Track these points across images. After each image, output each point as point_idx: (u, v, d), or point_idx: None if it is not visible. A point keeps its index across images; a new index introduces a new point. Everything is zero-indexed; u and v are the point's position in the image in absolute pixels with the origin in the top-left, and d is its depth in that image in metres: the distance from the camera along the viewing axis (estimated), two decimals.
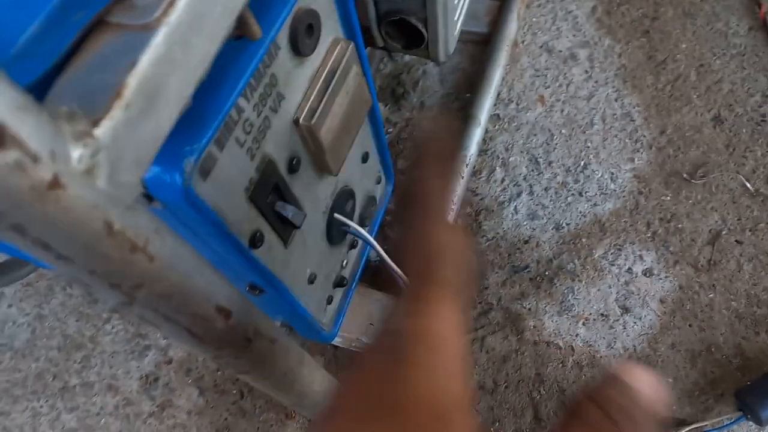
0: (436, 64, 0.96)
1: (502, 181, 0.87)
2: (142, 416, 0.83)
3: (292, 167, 0.40)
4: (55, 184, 0.17)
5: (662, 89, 0.89)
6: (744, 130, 0.84)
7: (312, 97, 0.39)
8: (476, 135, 0.86)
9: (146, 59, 0.20)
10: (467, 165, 0.84)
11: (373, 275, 0.85)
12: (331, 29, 0.40)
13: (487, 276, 0.77)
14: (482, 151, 0.89)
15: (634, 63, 0.92)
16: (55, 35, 0.20)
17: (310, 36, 0.36)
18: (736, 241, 0.79)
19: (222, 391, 0.82)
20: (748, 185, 0.81)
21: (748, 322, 0.75)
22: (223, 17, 0.23)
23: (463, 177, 0.84)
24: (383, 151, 0.57)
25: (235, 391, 0.82)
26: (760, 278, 0.76)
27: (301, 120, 0.38)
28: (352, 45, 0.40)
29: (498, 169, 0.88)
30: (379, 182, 0.60)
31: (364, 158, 0.53)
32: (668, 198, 0.82)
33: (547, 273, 0.81)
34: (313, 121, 0.38)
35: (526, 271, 0.81)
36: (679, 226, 0.81)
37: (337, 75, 0.40)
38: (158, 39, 0.20)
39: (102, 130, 0.19)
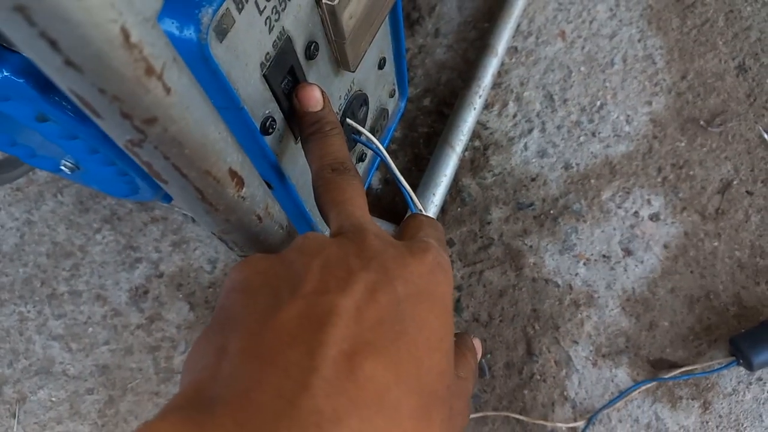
0: None
1: (515, 116, 0.84)
2: (130, 327, 0.82)
3: (310, 53, 0.37)
4: None
5: (687, 33, 0.86)
6: (767, 81, 0.82)
7: None
8: (492, 66, 0.83)
9: None
10: (480, 96, 0.81)
11: (375, 203, 0.84)
12: None
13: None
14: (496, 84, 0.86)
15: (662, 4, 0.88)
16: None
17: None
18: (746, 191, 0.77)
19: (213, 307, 0.81)
20: (766, 136, 0.79)
21: (749, 272, 0.74)
22: None
23: (475, 109, 0.81)
24: (400, 60, 0.54)
25: None
26: (767, 230, 0.75)
27: None
28: None
29: (511, 104, 0.85)
30: (392, 96, 0.57)
31: (381, 64, 0.50)
32: (682, 144, 0.80)
33: (551, 212, 0.79)
34: (337, 2, 0.35)
35: (530, 208, 0.80)
36: (691, 173, 0.79)
37: None
38: None
39: None
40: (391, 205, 0.81)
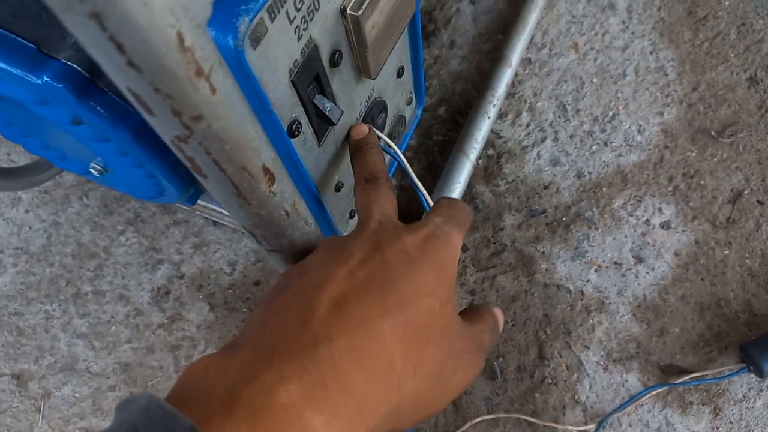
0: (471, 2, 0.95)
1: (528, 125, 0.86)
2: (152, 327, 0.84)
3: (334, 60, 0.39)
4: None
5: (699, 46, 0.88)
6: None
7: None
8: (506, 76, 0.85)
9: None
10: (494, 106, 0.83)
11: None
12: None
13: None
14: (510, 94, 0.88)
15: (674, 17, 0.90)
16: None
17: None
18: (757, 201, 0.78)
19: (232, 308, 0.83)
20: None
21: (760, 281, 0.75)
22: None
23: (489, 118, 0.83)
24: (418, 69, 0.56)
25: (245, 309, 0.83)
26: None
27: (348, 9, 0.37)
28: None
29: (524, 113, 0.87)
30: (409, 103, 0.59)
31: (400, 73, 0.53)
32: (693, 154, 0.82)
33: (564, 219, 0.81)
34: (360, 12, 0.38)
35: (543, 215, 0.81)
36: (702, 182, 0.80)
37: None
38: None
39: None
40: (406, 210, 0.83)
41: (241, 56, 0.29)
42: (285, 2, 0.32)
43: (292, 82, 0.36)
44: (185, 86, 0.20)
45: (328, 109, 0.40)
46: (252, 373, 0.24)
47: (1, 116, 0.61)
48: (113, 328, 0.85)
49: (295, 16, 0.33)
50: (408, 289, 0.29)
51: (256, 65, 0.31)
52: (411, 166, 0.87)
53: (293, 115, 0.38)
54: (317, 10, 0.35)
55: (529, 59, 0.90)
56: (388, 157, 0.56)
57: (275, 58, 0.33)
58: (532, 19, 0.88)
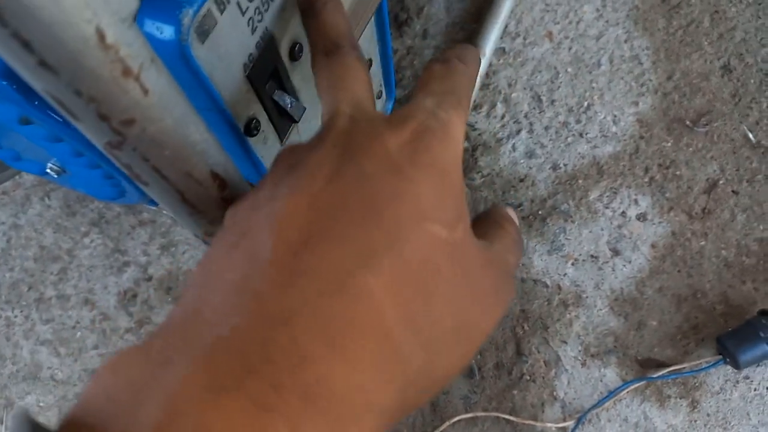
0: None
1: (503, 117, 0.85)
2: (119, 331, 0.81)
3: (294, 54, 0.37)
4: None
5: (673, 34, 0.87)
6: (752, 81, 0.83)
7: None
8: (480, 67, 0.83)
9: None
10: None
11: None
12: None
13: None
14: (484, 85, 0.86)
15: (648, 5, 0.89)
16: None
17: None
18: (732, 191, 0.78)
19: None
20: (750, 136, 0.80)
21: (735, 271, 0.75)
22: None
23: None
24: (387, 61, 0.54)
25: None
26: (752, 229, 0.76)
27: None
28: None
29: (499, 105, 0.85)
30: (379, 97, 0.57)
31: (365, 64, 0.51)
32: (669, 144, 0.81)
33: (540, 212, 0.80)
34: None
35: (519, 209, 0.80)
36: (677, 173, 0.79)
37: None
38: None
39: None
40: None
41: (187, 51, 0.27)
42: None
43: (248, 77, 0.33)
44: (111, 88, 0.18)
45: (288, 105, 0.37)
46: (164, 382, 0.16)
47: None
48: (79, 333, 0.82)
49: (248, 7, 0.31)
50: (400, 214, 0.20)
51: (205, 60, 0.29)
52: None
53: (251, 113, 0.35)
54: (273, 0, 0.33)
55: (503, 49, 0.88)
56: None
57: (227, 52, 0.31)
58: (505, 7, 0.86)
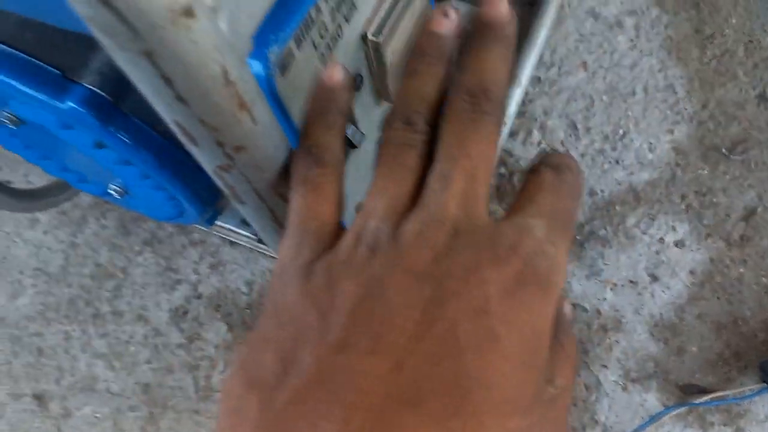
0: None
1: (539, 144, 0.87)
2: (171, 347, 0.85)
3: (356, 85, 0.40)
4: (188, 11, 0.17)
5: (707, 63, 0.88)
6: None
7: (381, 14, 0.39)
8: (516, 96, 0.86)
9: None
10: (505, 125, 0.84)
11: None
12: None
13: None
14: (521, 113, 0.89)
15: (681, 35, 0.91)
16: None
17: None
18: None
19: (250, 328, 0.84)
20: None
21: None
22: None
23: (500, 137, 0.84)
24: None
25: None
26: None
27: (369, 35, 0.39)
28: None
29: (535, 132, 0.88)
30: None
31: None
32: (705, 172, 0.82)
33: (578, 237, 0.81)
34: (381, 38, 0.39)
35: None
36: (714, 200, 0.80)
37: None
38: None
39: None
40: None
41: (272, 85, 0.30)
42: (311, 30, 0.33)
43: None
44: (229, 119, 0.21)
45: (350, 133, 0.41)
46: None
47: (22, 139, 0.62)
48: (132, 348, 0.86)
49: (319, 44, 0.34)
50: (482, 407, 0.17)
51: (284, 92, 0.32)
52: None
53: None
54: (340, 37, 0.36)
55: (539, 78, 0.91)
56: None
57: (302, 84, 0.34)
58: (540, 37, 0.89)
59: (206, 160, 0.23)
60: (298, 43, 0.32)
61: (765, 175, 0.81)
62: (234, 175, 0.24)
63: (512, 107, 0.85)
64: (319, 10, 0.33)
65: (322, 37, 0.34)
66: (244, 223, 0.83)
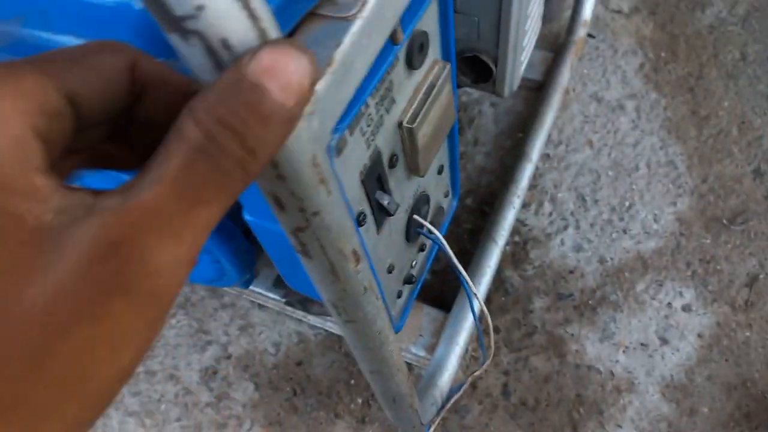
0: (491, 105, 1.05)
1: (550, 214, 0.93)
2: (200, 405, 0.89)
3: (392, 162, 0.47)
4: (293, 115, 0.24)
5: (705, 142, 0.96)
6: None
7: (414, 105, 0.46)
8: (527, 170, 0.93)
9: (347, 41, 0.28)
10: (518, 197, 0.91)
11: (424, 292, 0.92)
12: (433, 51, 0.48)
13: None
14: (532, 186, 0.96)
15: (679, 116, 0.99)
16: (283, 19, 0.27)
17: (420, 53, 0.44)
18: None
19: (276, 388, 0.88)
20: None
21: None
22: (391, 18, 0.31)
23: (514, 207, 0.90)
24: (455, 167, 0.64)
25: (288, 389, 0.88)
26: None
27: (405, 122, 0.46)
28: (448, 66, 0.48)
29: (546, 204, 0.94)
30: (447, 196, 0.67)
31: (440, 170, 0.61)
32: (708, 241, 0.87)
33: (590, 302, 0.86)
34: (414, 125, 0.46)
35: (570, 298, 0.87)
36: (718, 267, 0.85)
37: (435, 90, 0.47)
38: (354, 28, 0.28)
39: (319, 87, 0.26)
40: (438, 294, 0.89)
41: (332, 164, 0.37)
42: (361, 120, 0.40)
43: (362, 181, 0.43)
44: (311, 191, 0.28)
45: (386, 203, 0.47)
46: None
47: None
48: (163, 406, 0.90)
49: (366, 131, 0.41)
50: None
51: (339, 169, 0.39)
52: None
53: (361, 209, 0.45)
54: (382, 125, 0.43)
55: (548, 155, 0.98)
56: (428, 243, 0.62)
57: (351, 163, 0.41)
58: (548, 118, 0.97)
59: (289, 222, 0.29)
60: (351, 130, 0.39)
61: (765, 243, 0.86)
62: (308, 235, 0.30)
63: (524, 181, 0.92)
64: (367, 105, 0.40)
65: (368, 125, 0.41)
66: (275, 287, 0.89)
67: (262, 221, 0.52)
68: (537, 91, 1.03)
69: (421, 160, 0.49)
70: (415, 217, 0.57)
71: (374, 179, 0.45)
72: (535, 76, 1.04)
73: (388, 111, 0.44)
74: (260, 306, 0.95)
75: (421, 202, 0.57)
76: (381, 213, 0.48)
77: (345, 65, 0.28)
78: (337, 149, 0.38)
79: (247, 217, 0.53)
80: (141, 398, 0.91)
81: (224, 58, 0.19)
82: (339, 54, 0.28)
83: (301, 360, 0.90)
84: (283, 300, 0.87)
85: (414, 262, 0.64)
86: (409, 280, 0.63)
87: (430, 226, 0.58)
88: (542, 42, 1.02)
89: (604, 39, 1.09)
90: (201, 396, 0.89)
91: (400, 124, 0.46)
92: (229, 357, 0.92)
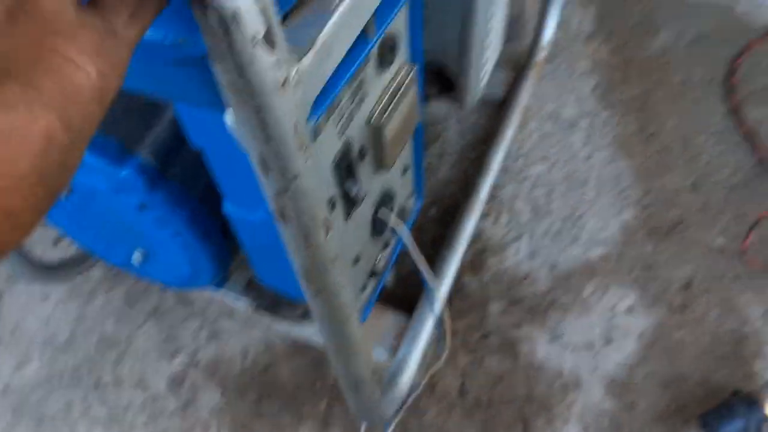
0: (458, 122, 1.11)
1: (508, 224, 1.00)
2: (167, 412, 0.90)
3: (362, 154, 0.52)
4: (285, 81, 0.29)
5: (650, 157, 1.04)
6: (717, 196, 0.98)
7: (383, 103, 0.52)
8: (487, 183, 0.99)
9: (327, 28, 0.33)
10: (478, 208, 0.97)
11: (390, 298, 0.96)
12: (402, 54, 0.53)
13: None
14: (492, 197, 1.02)
15: (628, 133, 1.07)
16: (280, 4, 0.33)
17: (390, 53, 0.50)
18: (705, 289, 0.91)
19: (243, 393, 0.90)
20: (718, 243, 0.94)
21: (712, 358, 0.85)
22: (365, 14, 0.37)
23: (474, 218, 0.96)
24: (419, 169, 0.69)
25: (254, 394, 0.90)
26: (724, 321, 0.88)
27: (373, 119, 0.51)
28: (415, 68, 0.54)
29: (504, 214, 1.01)
30: (410, 197, 0.72)
31: (404, 170, 0.66)
32: (649, 249, 0.95)
33: (541, 305, 0.92)
34: (381, 121, 0.51)
35: (523, 302, 0.92)
36: (658, 273, 0.92)
37: (401, 90, 0.53)
38: (334, 18, 0.34)
39: (304, 62, 0.31)
40: (403, 297, 0.93)
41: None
42: (335, 110, 0.45)
43: (334, 167, 0.48)
44: (293, 155, 0.32)
45: (354, 192, 0.52)
46: None
47: (64, 210, 0.72)
48: (130, 414, 0.91)
49: (339, 121, 0.46)
50: None
51: (315, 153, 0.44)
52: (407, 258, 0.99)
53: (331, 194, 0.50)
54: (352, 119, 0.49)
55: (507, 168, 1.05)
56: (392, 240, 0.67)
57: (325, 150, 0.46)
58: (508, 134, 1.04)
59: (271, 185, 0.34)
60: (326, 117, 0.44)
61: (699, 252, 0.94)
62: (287, 197, 0.34)
63: (484, 192, 0.98)
64: (342, 96, 0.45)
65: (341, 116, 0.47)
66: (245, 292, 0.92)
67: (242, 211, 0.56)
68: (499, 108, 1.10)
69: (388, 154, 0.55)
70: (383, 209, 0.62)
71: (344, 168, 0.50)
72: (497, 94, 1.12)
73: (359, 105, 0.49)
74: (229, 315, 0.97)
75: (386, 198, 0.62)
76: (349, 202, 0.53)
77: (325, 47, 0.33)
78: (314, 133, 0.43)
79: (228, 208, 0.57)
80: (108, 406, 0.92)
81: None
82: (321, 37, 0.33)
83: (267, 366, 0.93)
84: (253, 304, 0.90)
85: (378, 258, 0.68)
86: (373, 273, 0.68)
87: (394, 217, 0.63)
88: (505, 63, 1.10)
89: (563, 61, 1.18)
90: (168, 403, 0.91)
91: (369, 120, 0.52)
92: (197, 364, 0.94)
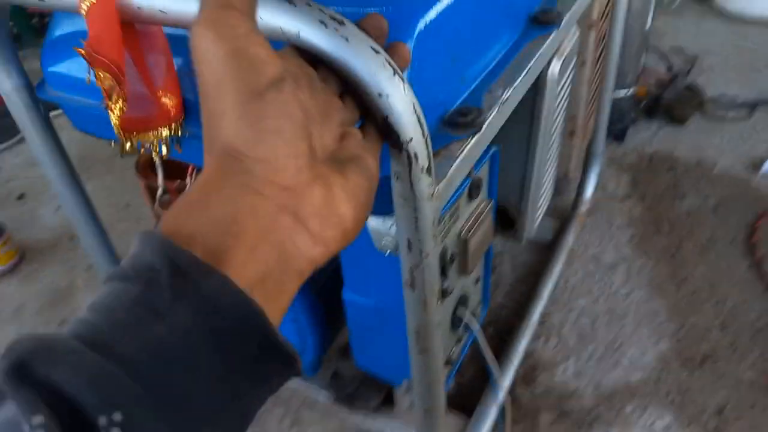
0: (511, 257, 1.30)
1: (556, 346, 1.14)
2: None
3: (452, 258, 0.71)
4: (432, 194, 0.49)
5: (682, 298, 1.19)
6: (744, 336, 1.11)
7: (469, 224, 0.72)
8: (538, 309, 1.16)
9: (453, 167, 0.54)
10: (530, 330, 1.12)
11: (454, 399, 1.10)
12: (484, 191, 0.74)
13: None
14: (542, 322, 1.18)
15: (661, 277, 1.23)
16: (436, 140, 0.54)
17: (477, 189, 0.71)
18: (737, 417, 1.01)
19: None
20: (747, 376, 1.06)
21: None
22: (473, 160, 0.58)
23: (526, 338, 1.12)
24: (486, 283, 0.88)
25: None
26: None
27: (462, 233, 0.71)
28: (491, 203, 0.75)
29: (553, 338, 1.15)
30: (479, 305, 0.90)
31: (477, 280, 0.84)
32: (684, 376, 1.07)
33: (587, 419, 1.04)
34: (468, 236, 0.71)
35: (570, 416, 1.04)
36: (692, 397, 1.04)
37: (482, 217, 0.73)
38: (457, 162, 0.55)
39: (441, 185, 0.52)
40: (461, 403, 1.07)
41: None
42: (441, 223, 0.65)
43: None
44: (430, 240, 0.52)
45: (445, 285, 0.70)
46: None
47: None
48: None
49: (443, 231, 0.66)
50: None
51: None
52: (467, 372, 1.13)
53: None
54: (450, 231, 0.68)
55: (556, 299, 1.22)
56: (465, 336, 0.84)
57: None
58: (556, 270, 1.22)
59: (409, 260, 0.53)
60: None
61: (730, 382, 1.05)
62: (419, 270, 0.53)
63: (535, 316, 1.14)
64: (446, 215, 0.66)
65: (443, 228, 0.67)
66: (329, 385, 1.07)
67: (358, 297, 0.75)
68: (548, 249, 1.29)
69: (470, 262, 0.74)
70: (460, 307, 0.79)
71: (441, 266, 0.69)
72: (546, 238, 1.31)
73: (454, 223, 0.69)
74: (310, 406, 1.12)
75: (463, 299, 0.80)
76: (440, 293, 0.71)
77: (451, 178, 0.54)
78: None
79: (347, 294, 0.76)
80: None
81: None
82: (450, 171, 0.54)
83: None
84: (333, 396, 1.05)
85: (453, 350, 0.84)
86: (448, 362, 0.83)
87: (469, 315, 0.80)
88: (553, 212, 1.31)
89: (602, 215, 1.38)
90: None
91: (459, 233, 0.71)
92: None
